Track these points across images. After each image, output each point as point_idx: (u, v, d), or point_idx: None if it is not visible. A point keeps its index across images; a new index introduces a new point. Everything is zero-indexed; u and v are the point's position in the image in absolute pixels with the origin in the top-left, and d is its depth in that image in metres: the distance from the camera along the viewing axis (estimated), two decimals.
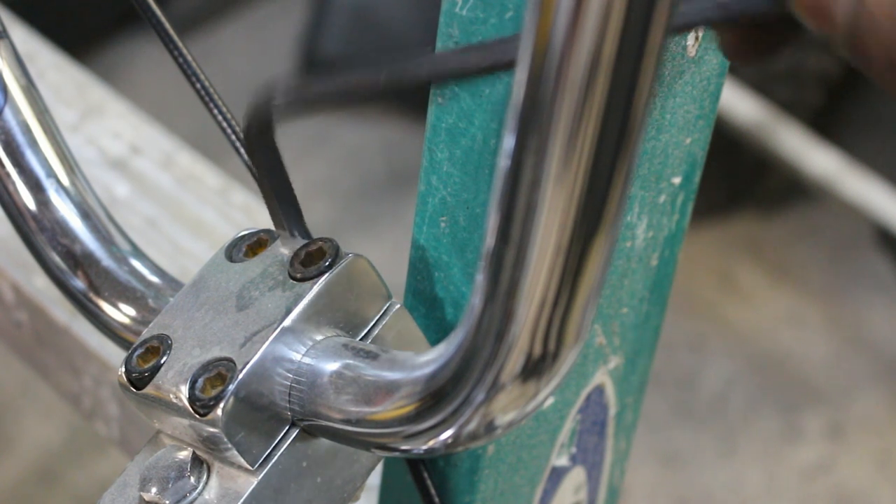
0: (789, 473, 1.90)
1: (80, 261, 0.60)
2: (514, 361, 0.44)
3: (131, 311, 0.60)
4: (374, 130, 2.37)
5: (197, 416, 0.52)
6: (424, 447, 0.50)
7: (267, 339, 0.53)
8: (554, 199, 0.39)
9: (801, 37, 0.47)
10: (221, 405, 0.52)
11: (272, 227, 0.58)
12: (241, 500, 0.53)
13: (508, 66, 0.45)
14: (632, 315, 0.66)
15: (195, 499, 0.53)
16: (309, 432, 0.54)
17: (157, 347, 0.55)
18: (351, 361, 0.53)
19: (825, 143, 1.95)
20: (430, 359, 0.49)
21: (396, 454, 0.52)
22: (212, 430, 0.52)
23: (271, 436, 0.54)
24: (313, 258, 0.55)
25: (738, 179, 2.12)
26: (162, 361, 0.54)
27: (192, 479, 0.53)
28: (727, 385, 1.99)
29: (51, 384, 0.93)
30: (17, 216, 0.60)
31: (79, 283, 0.60)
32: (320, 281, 0.54)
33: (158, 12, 0.61)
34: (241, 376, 0.52)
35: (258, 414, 0.53)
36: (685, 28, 0.50)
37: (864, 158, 1.98)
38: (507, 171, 0.40)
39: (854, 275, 2.14)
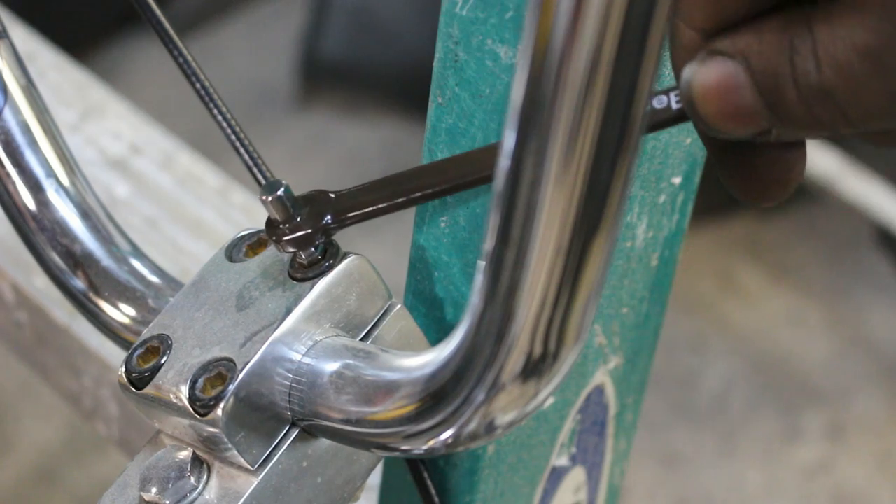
0: (789, 473, 1.90)
1: (79, 261, 0.60)
2: (514, 361, 0.44)
3: (131, 311, 0.60)
4: (374, 130, 2.37)
5: (197, 416, 0.52)
6: (424, 447, 0.50)
7: (267, 339, 0.53)
8: (554, 199, 0.39)
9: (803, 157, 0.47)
10: (221, 405, 0.52)
11: None
12: (242, 500, 0.53)
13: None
14: (632, 315, 0.66)
15: (195, 499, 0.53)
16: (309, 432, 0.54)
17: (157, 347, 0.55)
18: (351, 361, 0.53)
19: (825, 143, 1.95)
20: (430, 359, 0.49)
21: (396, 454, 0.52)
22: (212, 430, 0.52)
23: (271, 436, 0.54)
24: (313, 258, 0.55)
25: None
26: (162, 361, 0.54)
27: (192, 479, 0.53)
28: (727, 385, 1.99)
29: (51, 384, 0.93)
30: (17, 216, 0.60)
31: (79, 283, 0.60)
32: (320, 281, 0.54)
33: (158, 12, 0.61)
34: (241, 376, 0.52)
35: (258, 414, 0.53)
36: None
37: (864, 158, 1.98)
38: (507, 171, 0.40)
39: (854, 275, 2.14)
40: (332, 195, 0.53)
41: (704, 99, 0.44)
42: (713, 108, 0.44)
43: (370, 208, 0.53)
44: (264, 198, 0.53)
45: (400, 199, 0.53)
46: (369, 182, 0.53)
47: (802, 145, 0.47)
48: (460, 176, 0.52)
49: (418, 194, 0.53)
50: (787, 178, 0.47)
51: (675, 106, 0.46)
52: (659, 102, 0.46)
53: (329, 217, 0.53)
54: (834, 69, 0.41)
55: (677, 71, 0.46)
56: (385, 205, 0.53)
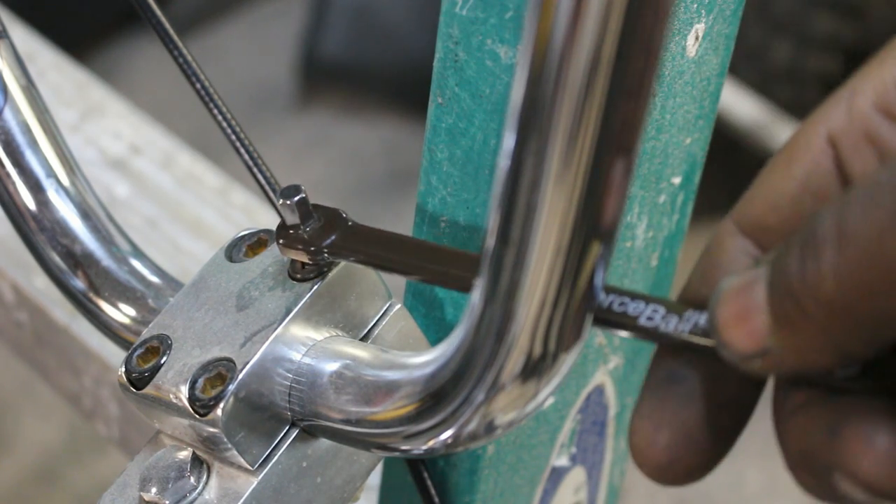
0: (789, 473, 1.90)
1: (80, 261, 0.60)
2: (514, 362, 0.44)
3: (131, 311, 0.60)
4: (374, 130, 2.37)
5: (197, 416, 0.52)
6: (424, 447, 0.50)
7: (267, 339, 0.53)
8: (554, 199, 0.39)
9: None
10: (221, 405, 0.52)
11: (272, 228, 0.58)
12: (241, 500, 0.53)
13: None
14: None
15: (195, 499, 0.53)
16: (309, 432, 0.54)
17: (157, 347, 0.55)
18: (351, 361, 0.53)
19: None
20: (429, 359, 0.49)
21: (396, 454, 0.52)
22: (212, 430, 0.52)
23: (271, 436, 0.54)
24: None
25: (738, 179, 2.12)
26: (162, 361, 0.54)
27: (192, 479, 0.53)
28: None
29: (51, 384, 0.93)
30: (17, 216, 0.60)
31: (79, 283, 0.60)
32: (320, 281, 0.54)
33: (158, 12, 0.61)
34: (240, 376, 0.52)
35: (258, 414, 0.53)
36: (623, 329, 0.46)
37: None
38: (507, 171, 0.40)
39: None
40: (350, 223, 0.53)
41: (724, 302, 0.42)
42: (726, 311, 0.42)
43: (373, 257, 0.53)
44: (281, 201, 0.53)
45: (404, 269, 0.52)
46: (388, 232, 0.53)
47: (749, 406, 0.45)
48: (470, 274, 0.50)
49: (422, 277, 0.52)
50: (713, 443, 0.45)
51: (687, 328, 0.45)
52: (687, 321, 0.45)
53: (333, 238, 0.53)
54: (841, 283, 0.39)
55: (707, 279, 0.45)
56: (386, 263, 0.53)
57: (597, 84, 0.37)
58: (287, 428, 0.54)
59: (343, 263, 0.55)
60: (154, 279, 0.60)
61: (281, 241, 0.53)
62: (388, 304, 0.57)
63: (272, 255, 0.56)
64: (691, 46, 0.56)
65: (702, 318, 0.44)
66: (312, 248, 0.53)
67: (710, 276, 0.46)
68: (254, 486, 0.53)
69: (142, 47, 2.44)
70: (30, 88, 0.61)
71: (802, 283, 0.39)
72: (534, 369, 0.44)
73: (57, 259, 0.60)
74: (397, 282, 0.59)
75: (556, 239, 0.40)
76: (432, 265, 0.51)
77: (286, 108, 2.39)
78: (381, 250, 0.53)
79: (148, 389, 0.54)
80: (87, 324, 0.62)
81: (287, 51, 2.47)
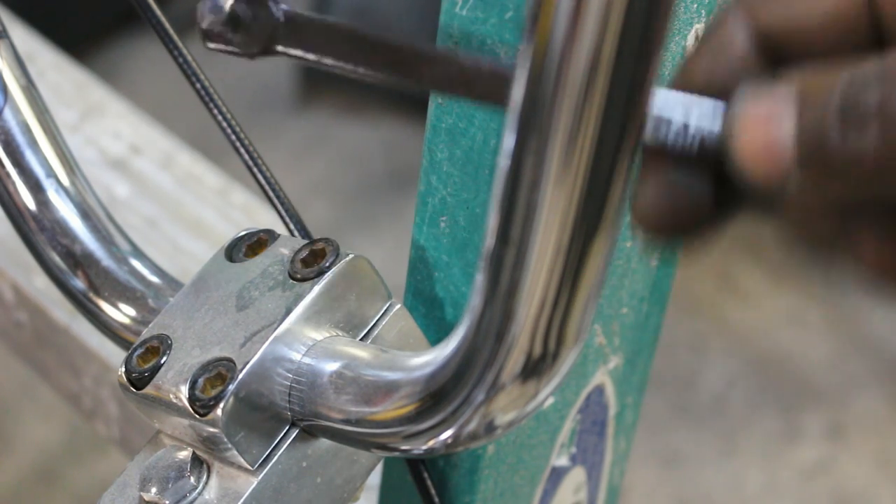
0: (789, 473, 1.90)
1: (79, 261, 0.60)
2: (514, 362, 0.44)
3: (131, 311, 0.60)
4: (374, 130, 2.37)
5: (197, 416, 0.52)
6: (424, 447, 0.50)
7: (267, 339, 0.53)
8: (554, 199, 0.39)
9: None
10: (221, 405, 0.52)
11: (272, 228, 0.58)
12: (241, 500, 0.53)
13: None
14: (632, 315, 0.66)
15: (195, 499, 0.53)
16: (309, 432, 0.54)
17: (157, 347, 0.55)
18: (351, 361, 0.53)
19: None
20: (429, 359, 0.49)
21: (396, 454, 0.52)
22: (212, 430, 0.52)
23: (271, 436, 0.54)
24: (313, 258, 0.55)
25: None
26: (162, 361, 0.54)
27: (192, 479, 0.53)
28: (727, 385, 1.99)
29: (51, 384, 0.93)
30: (17, 216, 0.60)
31: (79, 283, 0.60)
32: (320, 281, 0.54)
33: (158, 12, 0.61)
34: (241, 376, 0.52)
35: (258, 414, 0.53)
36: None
37: None
38: (507, 171, 0.40)
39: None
40: (281, 13, 0.46)
41: (746, 129, 0.40)
42: (748, 140, 0.40)
43: (318, 52, 0.46)
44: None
45: (353, 63, 0.45)
46: (334, 21, 0.45)
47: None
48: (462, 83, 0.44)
49: (377, 74, 0.44)
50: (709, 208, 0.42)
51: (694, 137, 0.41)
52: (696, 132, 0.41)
53: (269, 34, 0.47)
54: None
55: (713, 76, 0.42)
56: (333, 57, 0.45)
57: (597, 84, 0.37)
58: (287, 428, 0.54)
59: (344, 263, 0.55)
60: (154, 279, 0.60)
61: (209, 45, 0.48)
62: (388, 304, 0.57)
63: (272, 255, 0.56)
64: (691, 46, 0.56)
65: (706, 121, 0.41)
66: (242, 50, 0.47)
67: (715, 63, 0.43)
68: (254, 486, 0.53)
69: (142, 47, 2.44)
70: (30, 88, 0.61)
71: (842, 156, 0.39)
72: (534, 369, 0.44)
73: (57, 259, 0.60)
74: (397, 282, 0.59)
75: (556, 239, 0.40)
76: (387, 58, 0.44)
77: (286, 108, 2.39)
78: (324, 41, 0.45)
79: (148, 389, 0.54)
80: (87, 324, 0.62)
81: None
